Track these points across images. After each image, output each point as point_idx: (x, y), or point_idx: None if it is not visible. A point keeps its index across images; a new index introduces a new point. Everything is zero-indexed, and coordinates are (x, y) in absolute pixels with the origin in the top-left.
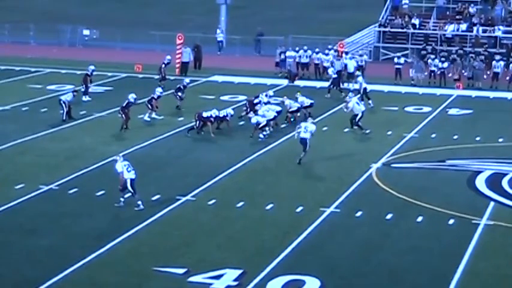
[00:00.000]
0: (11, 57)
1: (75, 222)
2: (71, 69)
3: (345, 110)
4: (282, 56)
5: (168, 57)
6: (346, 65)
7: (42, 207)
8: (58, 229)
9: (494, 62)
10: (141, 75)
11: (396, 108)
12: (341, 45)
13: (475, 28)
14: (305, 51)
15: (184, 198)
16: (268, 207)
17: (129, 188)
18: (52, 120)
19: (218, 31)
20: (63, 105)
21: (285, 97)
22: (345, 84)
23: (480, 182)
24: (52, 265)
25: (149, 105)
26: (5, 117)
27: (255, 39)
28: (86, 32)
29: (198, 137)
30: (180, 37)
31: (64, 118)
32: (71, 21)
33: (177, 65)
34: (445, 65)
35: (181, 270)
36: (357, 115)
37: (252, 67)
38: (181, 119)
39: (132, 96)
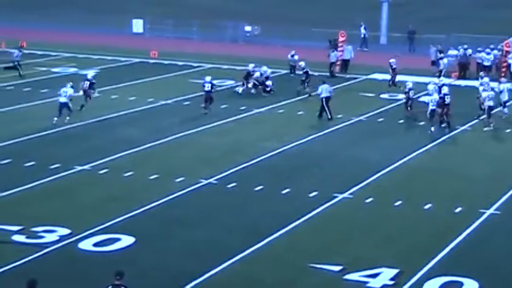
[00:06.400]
0: (174, 52)
1: (233, 216)
2: (232, 65)
3: None
4: (440, 55)
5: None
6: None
7: (201, 201)
8: (216, 222)
9: None
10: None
11: None
12: (507, 45)
13: None
14: (465, 49)
15: (341, 196)
16: (427, 206)
17: None
18: (212, 115)
19: (362, 28)
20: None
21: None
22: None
23: None
24: (210, 257)
25: None
26: (167, 111)
27: (407, 37)
28: (248, 28)
29: (354, 135)
30: (342, 34)
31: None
32: (233, 18)
33: (338, 62)
34: None
35: (337, 268)
36: None
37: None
38: (340, 116)
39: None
